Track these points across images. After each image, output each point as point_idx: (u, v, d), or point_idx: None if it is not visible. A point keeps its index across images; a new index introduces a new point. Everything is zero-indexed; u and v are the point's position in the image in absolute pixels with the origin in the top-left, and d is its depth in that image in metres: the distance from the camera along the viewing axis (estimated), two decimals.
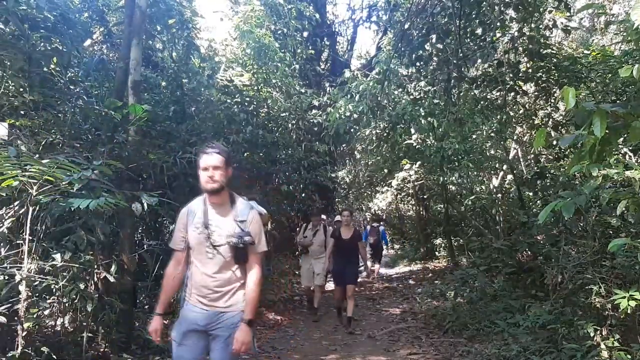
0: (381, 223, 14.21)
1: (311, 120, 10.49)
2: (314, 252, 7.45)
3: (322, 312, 7.85)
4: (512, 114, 8.21)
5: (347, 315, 6.56)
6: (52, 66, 4.92)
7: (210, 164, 2.44)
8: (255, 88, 8.98)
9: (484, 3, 6.14)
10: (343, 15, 35.87)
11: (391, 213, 18.48)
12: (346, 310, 6.59)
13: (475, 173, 10.09)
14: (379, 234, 12.46)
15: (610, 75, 6.26)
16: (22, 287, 3.24)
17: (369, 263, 13.94)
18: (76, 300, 3.76)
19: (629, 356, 3.67)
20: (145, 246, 5.04)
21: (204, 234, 2.50)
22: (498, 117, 7.67)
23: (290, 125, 10.18)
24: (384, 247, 13.61)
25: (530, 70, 6.96)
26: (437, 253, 14.08)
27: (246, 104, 8.39)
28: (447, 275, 9.69)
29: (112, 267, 4.05)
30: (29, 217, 3.38)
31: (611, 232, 5.00)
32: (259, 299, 2.58)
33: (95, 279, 4.09)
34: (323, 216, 9.15)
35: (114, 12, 7.80)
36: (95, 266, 4.02)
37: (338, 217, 8.54)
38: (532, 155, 9.95)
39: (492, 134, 8.60)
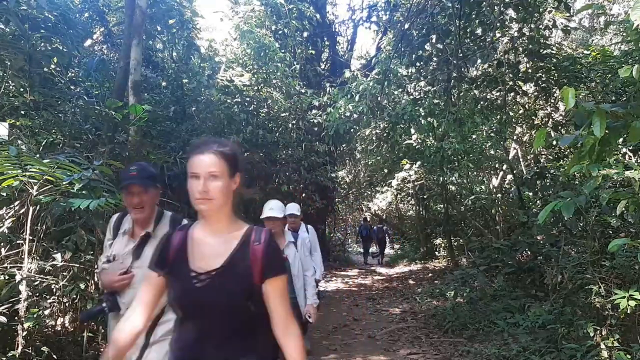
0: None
1: (311, 120, 10.49)
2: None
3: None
4: (512, 114, 8.21)
5: None
6: (53, 66, 4.94)
7: None
8: (255, 88, 8.98)
9: (484, 3, 6.15)
10: (343, 16, 36.03)
11: (391, 213, 18.48)
12: None
13: (475, 173, 10.09)
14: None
15: (610, 75, 6.26)
16: (22, 287, 3.24)
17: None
18: (76, 300, 3.77)
19: (629, 356, 3.67)
20: None
21: None
22: (498, 117, 7.68)
23: (290, 125, 10.17)
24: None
25: (530, 71, 6.97)
26: (437, 253, 14.06)
27: (246, 104, 8.40)
28: (447, 275, 9.68)
29: None
30: (30, 217, 3.38)
31: (611, 232, 5.00)
32: None
33: (96, 279, 4.09)
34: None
35: (114, 12, 7.83)
36: (96, 266, 4.02)
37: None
38: (532, 155, 9.95)
39: (492, 134, 8.60)
